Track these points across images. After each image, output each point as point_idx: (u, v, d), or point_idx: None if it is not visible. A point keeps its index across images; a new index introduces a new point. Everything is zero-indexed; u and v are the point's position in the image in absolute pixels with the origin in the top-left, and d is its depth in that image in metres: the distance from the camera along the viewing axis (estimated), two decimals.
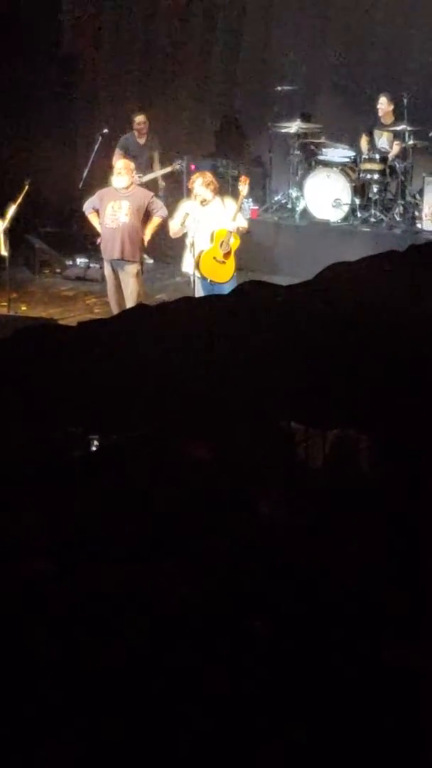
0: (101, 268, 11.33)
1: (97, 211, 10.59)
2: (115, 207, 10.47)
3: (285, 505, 4.70)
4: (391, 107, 13.06)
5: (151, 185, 12.99)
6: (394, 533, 4.32)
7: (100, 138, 13.19)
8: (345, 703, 3.42)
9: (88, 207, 10.72)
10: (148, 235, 10.58)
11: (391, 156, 13.04)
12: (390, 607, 3.83)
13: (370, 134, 13.25)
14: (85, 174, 13.11)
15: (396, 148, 13.05)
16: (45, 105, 14.31)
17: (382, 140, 13.21)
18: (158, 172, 13.03)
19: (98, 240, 10.79)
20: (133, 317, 5.88)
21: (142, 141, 13.16)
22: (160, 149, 12.97)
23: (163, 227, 10.79)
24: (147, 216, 10.55)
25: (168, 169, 12.55)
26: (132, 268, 10.57)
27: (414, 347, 4.93)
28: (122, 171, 10.56)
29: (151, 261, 13.23)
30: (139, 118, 12.99)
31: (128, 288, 10.57)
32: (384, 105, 13.08)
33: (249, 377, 5.06)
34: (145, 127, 13.05)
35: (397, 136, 13.07)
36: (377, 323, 4.97)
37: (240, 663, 3.55)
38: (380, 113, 13.16)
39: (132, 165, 10.96)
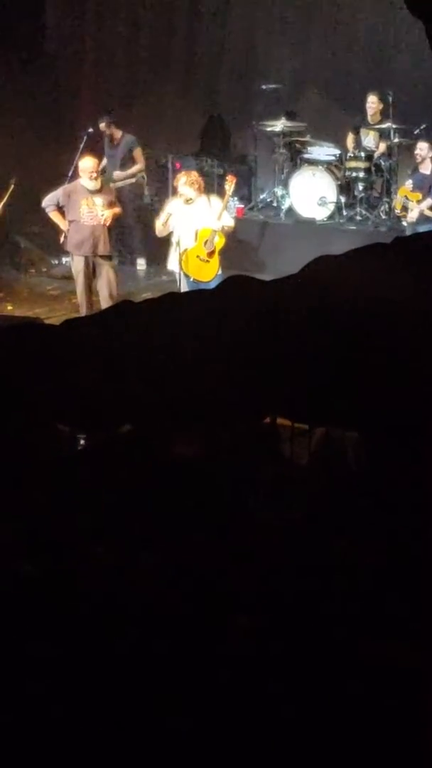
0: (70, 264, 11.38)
1: (60, 208, 10.67)
2: (89, 204, 10.58)
3: (271, 502, 4.71)
4: (381, 106, 13.08)
5: (135, 185, 13.03)
6: (383, 530, 4.33)
7: (85, 137, 13.15)
8: (342, 702, 3.42)
9: (50, 203, 10.76)
10: (108, 216, 10.68)
11: (377, 154, 13.05)
12: (383, 604, 3.84)
13: (357, 132, 13.25)
14: (70, 173, 13.07)
15: (382, 146, 13.06)
16: (29, 104, 14.27)
17: (369, 138, 13.21)
18: (126, 180, 13.03)
19: (62, 236, 10.83)
20: (119, 313, 5.87)
21: (114, 142, 13.16)
22: (137, 145, 12.97)
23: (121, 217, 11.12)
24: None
25: (131, 180, 12.63)
26: (111, 262, 10.86)
27: (406, 340, 4.92)
28: (94, 173, 10.67)
29: (143, 261, 13.23)
30: (102, 126, 13.03)
31: (107, 280, 10.75)
32: (374, 103, 13.09)
33: (235, 373, 5.06)
34: (110, 130, 13.05)
35: (383, 134, 13.08)
36: (367, 316, 4.96)
37: (226, 660, 3.55)
38: (369, 112, 13.16)
39: (98, 162, 11.09)
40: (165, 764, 3.30)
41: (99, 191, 10.72)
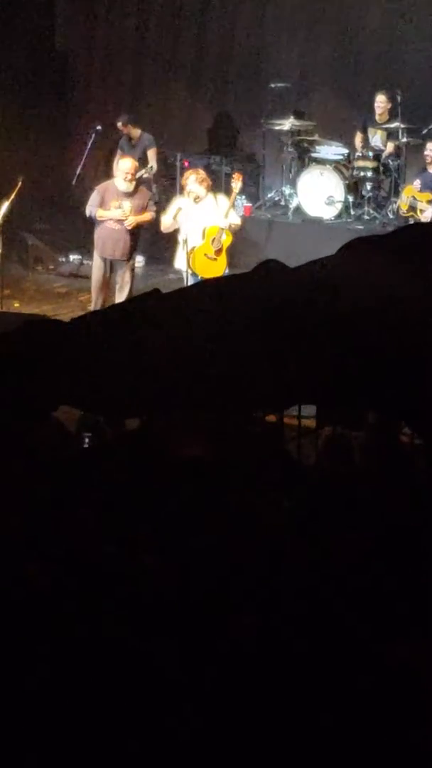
0: (83, 263, 11.36)
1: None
2: (116, 207, 10.51)
3: (278, 501, 4.70)
4: (389, 105, 13.05)
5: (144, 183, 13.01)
6: (389, 530, 4.32)
7: (93, 135, 13.16)
8: (344, 701, 3.41)
9: (92, 206, 10.69)
10: (134, 220, 10.61)
11: (385, 154, 13.03)
12: (387, 604, 3.83)
13: (365, 131, 13.23)
14: (78, 171, 13.08)
15: (390, 146, 13.04)
16: (38, 101, 14.28)
17: (376, 138, 13.20)
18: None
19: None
20: (140, 307, 5.81)
21: (133, 141, 13.13)
22: (153, 145, 12.93)
23: (151, 224, 10.87)
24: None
25: (141, 172, 12.60)
26: (130, 266, 10.77)
27: (414, 337, 4.90)
28: (130, 175, 10.57)
29: (142, 258, 13.22)
30: (119, 125, 12.99)
31: (124, 285, 10.69)
32: (383, 103, 13.06)
33: (243, 370, 5.04)
34: (128, 129, 13.01)
35: (391, 134, 13.06)
36: (375, 312, 4.94)
37: (231, 660, 3.55)
38: (378, 111, 13.13)
39: (137, 166, 11.00)
40: (166, 765, 3.29)
41: (131, 194, 10.64)
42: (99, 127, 13.29)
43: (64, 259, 13.50)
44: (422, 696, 3.40)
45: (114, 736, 3.32)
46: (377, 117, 13.19)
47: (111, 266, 10.73)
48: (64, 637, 3.57)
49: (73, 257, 13.39)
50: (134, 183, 10.72)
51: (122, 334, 5.24)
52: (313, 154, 13.27)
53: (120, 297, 10.64)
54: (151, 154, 12.90)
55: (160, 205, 11.83)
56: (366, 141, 13.18)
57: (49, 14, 14.85)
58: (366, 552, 4.14)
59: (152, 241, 12.57)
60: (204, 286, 6.82)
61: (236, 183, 10.61)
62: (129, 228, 10.55)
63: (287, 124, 13.28)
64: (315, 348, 4.97)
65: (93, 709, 3.39)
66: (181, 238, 10.39)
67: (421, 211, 12.29)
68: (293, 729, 3.34)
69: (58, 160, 14.03)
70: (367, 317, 4.93)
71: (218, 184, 12.37)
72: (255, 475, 4.90)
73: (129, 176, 10.60)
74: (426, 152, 12.47)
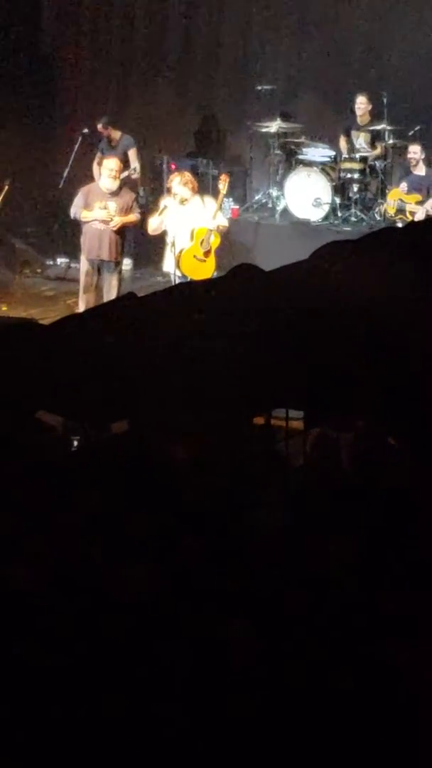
0: (69, 266, 11.35)
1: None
2: (102, 207, 10.50)
3: (266, 503, 4.69)
4: (370, 107, 13.06)
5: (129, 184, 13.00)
6: (377, 531, 4.32)
7: (80, 138, 13.16)
8: (340, 702, 3.41)
9: (77, 208, 10.69)
10: (121, 222, 10.61)
11: (371, 156, 13.04)
12: (379, 604, 3.83)
13: (348, 135, 13.25)
14: (65, 174, 13.08)
15: (378, 148, 13.04)
16: (25, 104, 14.26)
17: (360, 141, 13.21)
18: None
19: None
20: (119, 308, 5.82)
21: (113, 143, 13.14)
22: (134, 146, 12.94)
23: (136, 225, 10.84)
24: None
25: (125, 173, 12.56)
26: (117, 268, 10.72)
27: (411, 336, 4.90)
28: (115, 172, 10.59)
29: (129, 261, 13.23)
30: (99, 127, 13.00)
31: (111, 287, 10.65)
32: (363, 104, 13.06)
33: (235, 370, 5.04)
34: (108, 131, 13.02)
35: (377, 136, 13.07)
36: (372, 312, 4.94)
37: (223, 663, 3.54)
38: (358, 113, 13.14)
39: (121, 166, 11.01)
40: (163, 766, 3.29)
41: (116, 194, 10.64)
42: (86, 130, 13.29)
43: (51, 263, 13.50)
44: (420, 696, 3.40)
45: (109, 740, 3.32)
46: (358, 119, 13.19)
47: (98, 269, 10.70)
48: (56, 642, 3.56)
49: (61, 260, 13.39)
50: (119, 182, 10.73)
51: (97, 339, 5.24)
52: (300, 156, 13.28)
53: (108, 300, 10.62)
54: (132, 155, 12.89)
55: (147, 208, 11.83)
56: (350, 143, 13.19)
57: (35, 17, 14.83)
58: (355, 552, 4.14)
59: (140, 244, 12.57)
60: (178, 290, 6.82)
61: (223, 185, 10.61)
62: (114, 229, 10.55)
63: (274, 126, 13.29)
64: (292, 350, 4.98)
65: (87, 713, 3.38)
66: (168, 240, 10.39)
67: (412, 213, 12.31)
68: (287, 730, 3.34)
69: (45, 164, 14.02)
70: (343, 318, 4.94)
71: (205, 186, 12.38)
72: (244, 477, 4.89)
73: (114, 173, 10.61)
74: (410, 155, 12.50)
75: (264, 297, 5.25)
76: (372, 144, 13.13)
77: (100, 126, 12.87)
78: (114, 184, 10.61)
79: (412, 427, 4.95)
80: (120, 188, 10.75)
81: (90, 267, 10.71)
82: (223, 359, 5.03)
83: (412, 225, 9.41)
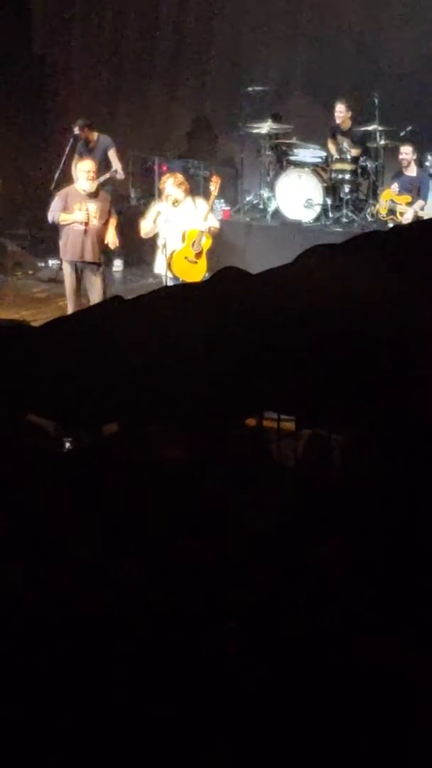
0: (60, 269, 11.30)
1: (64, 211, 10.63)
2: (82, 209, 10.48)
3: (258, 504, 4.70)
4: (349, 113, 13.06)
5: (121, 185, 13.01)
6: (371, 531, 4.33)
7: (72, 140, 13.15)
8: (335, 703, 3.41)
9: (54, 211, 10.67)
10: (114, 236, 10.59)
11: (351, 157, 13.01)
12: (373, 605, 3.83)
13: (334, 137, 13.26)
14: (57, 176, 13.08)
15: (359, 149, 13.02)
16: (15, 106, 14.26)
17: (344, 145, 13.21)
18: (100, 178, 13.03)
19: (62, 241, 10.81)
20: (106, 311, 5.84)
21: (90, 145, 13.13)
22: (112, 146, 12.92)
23: (119, 227, 10.87)
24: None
25: (106, 176, 12.53)
26: (99, 269, 10.67)
27: (400, 339, 4.91)
28: (91, 173, 10.58)
29: (120, 262, 13.23)
30: (76, 129, 12.98)
31: (95, 288, 10.63)
32: (342, 112, 13.05)
33: (224, 371, 5.05)
34: (85, 133, 13.00)
35: (358, 140, 13.04)
36: (359, 314, 4.95)
37: (217, 663, 3.55)
38: (338, 120, 13.13)
39: (97, 167, 11.00)
40: (158, 764, 3.29)
41: (94, 196, 10.64)
42: (77, 132, 13.28)
43: (43, 264, 13.49)
44: (416, 697, 3.41)
45: (105, 740, 3.32)
46: (340, 125, 13.19)
47: (81, 271, 10.67)
48: (50, 643, 3.57)
49: (52, 262, 13.37)
50: (96, 183, 10.71)
51: (83, 341, 5.25)
52: (291, 158, 13.29)
53: (92, 302, 10.60)
54: (113, 156, 12.86)
55: (138, 209, 11.82)
56: (337, 145, 13.20)
57: (25, 19, 14.83)
58: (349, 553, 4.15)
59: (131, 246, 12.57)
60: (165, 292, 6.82)
61: (214, 186, 10.61)
62: (94, 230, 10.52)
63: (265, 127, 13.30)
64: (275, 352, 5.00)
65: (83, 715, 3.38)
66: (160, 242, 10.38)
67: (401, 213, 12.33)
68: (284, 730, 3.34)
69: (34, 166, 14.01)
70: (328, 320, 4.95)
71: (196, 187, 12.38)
72: (236, 478, 4.90)
73: (91, 174, 10.58)
74: (401, 156, 12.52)
75: (248, 300, 5.27)
76: (355, 149, 13.12)
77: (76, 128, 12.85)
78: (92, 186, 10.59)
79: (396, 429, 4.96)
80: (97, 191, 10.73)
81: (72, 270, 10.68)
82: (207, 361, 5.05)
83: (397, 228, 9.43)
